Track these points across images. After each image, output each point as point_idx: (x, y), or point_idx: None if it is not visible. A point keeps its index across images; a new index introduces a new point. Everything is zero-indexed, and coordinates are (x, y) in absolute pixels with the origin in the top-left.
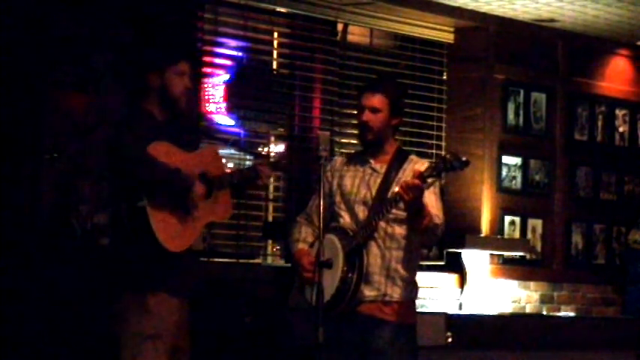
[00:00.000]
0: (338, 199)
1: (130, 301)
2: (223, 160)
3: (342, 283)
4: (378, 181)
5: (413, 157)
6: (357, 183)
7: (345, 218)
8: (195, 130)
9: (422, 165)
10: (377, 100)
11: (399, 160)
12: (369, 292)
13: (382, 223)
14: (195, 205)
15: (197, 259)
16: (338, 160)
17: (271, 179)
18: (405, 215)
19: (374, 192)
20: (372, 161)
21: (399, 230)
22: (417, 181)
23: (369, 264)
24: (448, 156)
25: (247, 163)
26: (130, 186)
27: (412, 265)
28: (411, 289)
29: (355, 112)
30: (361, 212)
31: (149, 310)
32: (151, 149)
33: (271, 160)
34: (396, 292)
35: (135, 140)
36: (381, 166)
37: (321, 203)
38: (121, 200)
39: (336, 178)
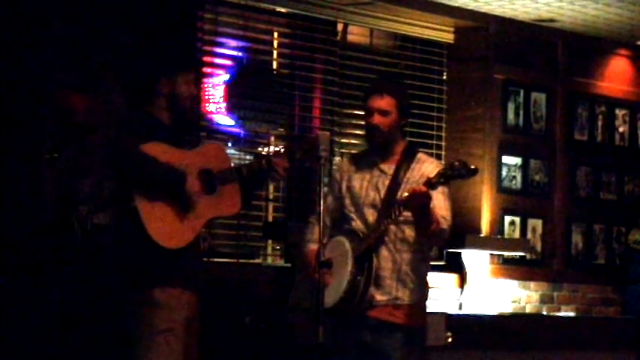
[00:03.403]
0: (347, 201)
1: (138, 297)
2: (228, 155)
3: (350, 286)
4: (387, 182)
5: (421, 155)
6: (366, 185)
7: (357, 221)
8: (196, 130)
9: (430, 164)
10: (385, 102)
11: (407, 160)
12: (380, 297)
13: (392, 226)
14: (195, 201)
15: (202, 257)
16: (345, 161)
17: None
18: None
19: (383, 194)
20: (380, 162)
21: (410, 232)
22: (424, 189)
23: (380, 267)
24: (456, 163)
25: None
26: (126, 186)
27: (423, 267)
28: (422, 291)
29: (356, 112)
30: (370, 215)
31: (159, 305)
32: (145, 148)
33: (281, 151)
34: (406, 296)
35: (132, 140)
36: (389, 167)
37: (321, 203)
38: (119, 201)
39: (345, 180)
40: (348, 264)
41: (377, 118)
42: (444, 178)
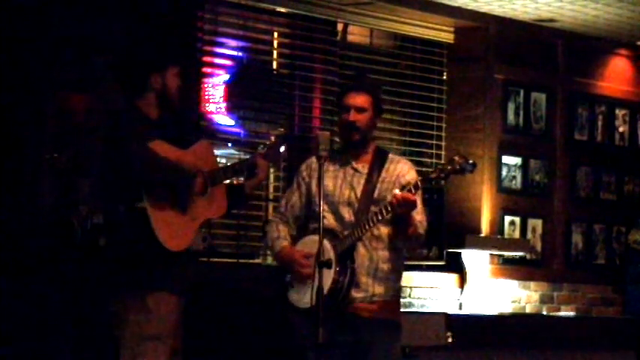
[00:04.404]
0: (319, 199)
1: (129, 301)
2: (215, 155)
3: (334, 284)
4: (362, 181)
5: (393, 156)
6: (339, 183)
7: (329, 219)
8: (194, 129)
9: (404, 164)
10: (362, 99)
11: (379, 160)
12: (356, 294)
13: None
14: (192, 203)
15: (195, 259)
16: (314, 159)
17: (271, 178)
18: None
19: (358, 193)
20: (352, 161)
21: (385, 230)
22: (413, 197)
23: (357, 265)
24: (456, 158)
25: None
26: (129, 186)
27: (398, 264)
28: (397, 287)
29: None
30: (346, 213)
31: (149, 310)
32: (151, 146)
33: (262, 151)
34: (382, 292)
35: (134, 139)
36: (363, 166)
37: (321, 203)
38: (118, 201)
39: (314, 179)
40: (332, 264)
41: (354, 115)
42: (444, 172)
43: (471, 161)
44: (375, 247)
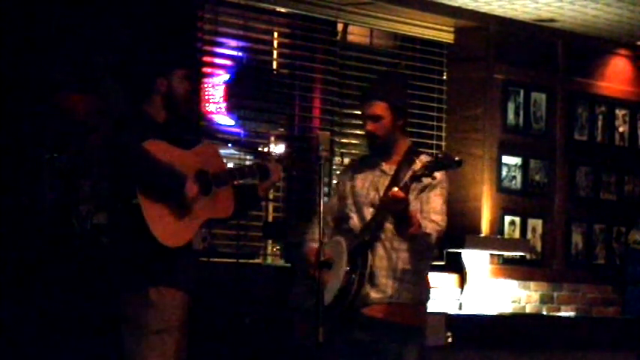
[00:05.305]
0: (350, 201)
1: (132, 297)
2: (222, 157)
3: (345, 283)
4: (387, 183)
5: (423, 156)
6: (367, 185)
7: (354, 220)
8: (195, 130)
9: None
10: (375, 107)
11: (408, 161)
12: (374, 295)
13: (389, 224)
14: (193, 202)
15: (197, 258)
16: (353, 162)
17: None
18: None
19: (382, 194)
20: (382, 163)
21: None
22: (400, 195)
23: (374, 265)
24: (440, 155)
25: (248, 162)
26: (127, 184)
27: (421, 266)
28: (421, 290)
29: (356, 112)
30: (369, 214)
31: (152, 305)
32: (146, 146)
33: (276, 157)
34: (403, 294)
35: (132, 138)
36: (390, 168)
37: (321, 203)
38: (118, 199)
39: (349, 181)
40: (343, 261)
41: (370, 125)
42: (428, 170)
43: (456, 158)
44: (396, 248)
